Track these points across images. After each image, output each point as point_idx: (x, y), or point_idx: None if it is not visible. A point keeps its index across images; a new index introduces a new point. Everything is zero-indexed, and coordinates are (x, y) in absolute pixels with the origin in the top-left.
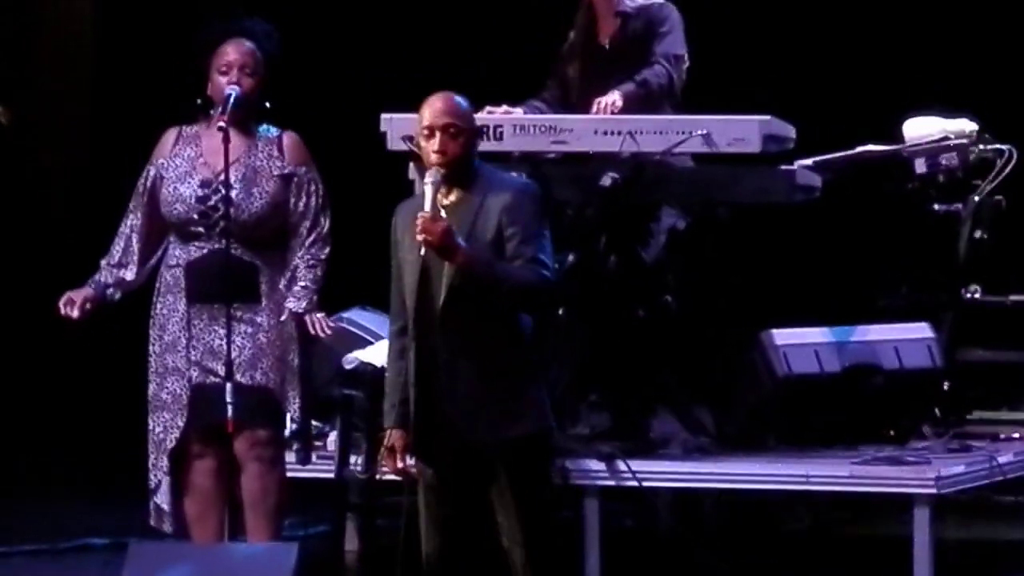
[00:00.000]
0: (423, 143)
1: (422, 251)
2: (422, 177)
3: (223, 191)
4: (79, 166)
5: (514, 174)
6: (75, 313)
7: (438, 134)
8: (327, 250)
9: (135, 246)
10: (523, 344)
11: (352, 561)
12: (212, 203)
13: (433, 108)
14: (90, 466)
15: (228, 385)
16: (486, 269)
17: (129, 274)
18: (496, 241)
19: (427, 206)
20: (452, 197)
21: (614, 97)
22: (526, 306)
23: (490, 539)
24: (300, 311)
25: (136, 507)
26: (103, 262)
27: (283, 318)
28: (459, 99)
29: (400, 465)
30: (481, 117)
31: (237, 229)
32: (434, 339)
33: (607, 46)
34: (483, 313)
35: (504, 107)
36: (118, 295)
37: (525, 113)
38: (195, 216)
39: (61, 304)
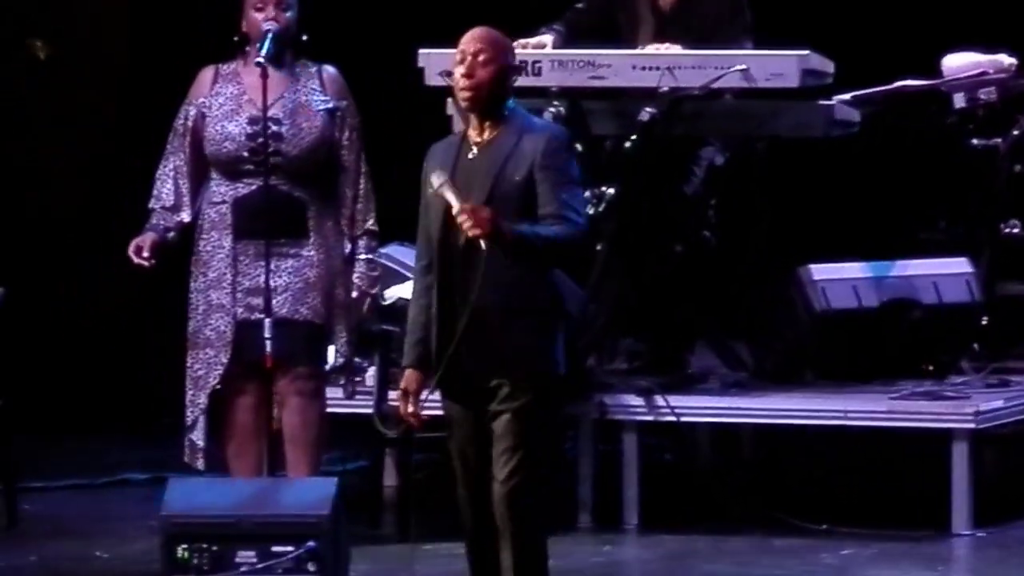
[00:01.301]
0: (455, 72)
1: (483, 244)
2: (459, 112)
3: (272, 127)
4: (115, 104)
5: (547, 119)
6: (148, 262)
7: (468, 59)
8: (373, 194)
9: (184, 187)
10: (545, 285)
11: (390, 496)
12: (262, 140)
13: (467, 35)
14: (129, 401)
15: (267, 320)
16: (527, 239)
17: (185, 215)
18: (526, 182)
19: (454, 201)
20: (485, 135)
21: (676, 50)
22: (562, 260)
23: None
24: (367, 291)
25: (175, 442)
26: (156, 207)
27: (353, 294)
28: (498, 33)
29: (411, 408)
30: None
31: (286, 164)
32: (456, 276)
33: (666, 10)
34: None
35: (537, 38)
36: (178, 238)
37: (554, 41)
38: (245, 153)
39: (131, 254)
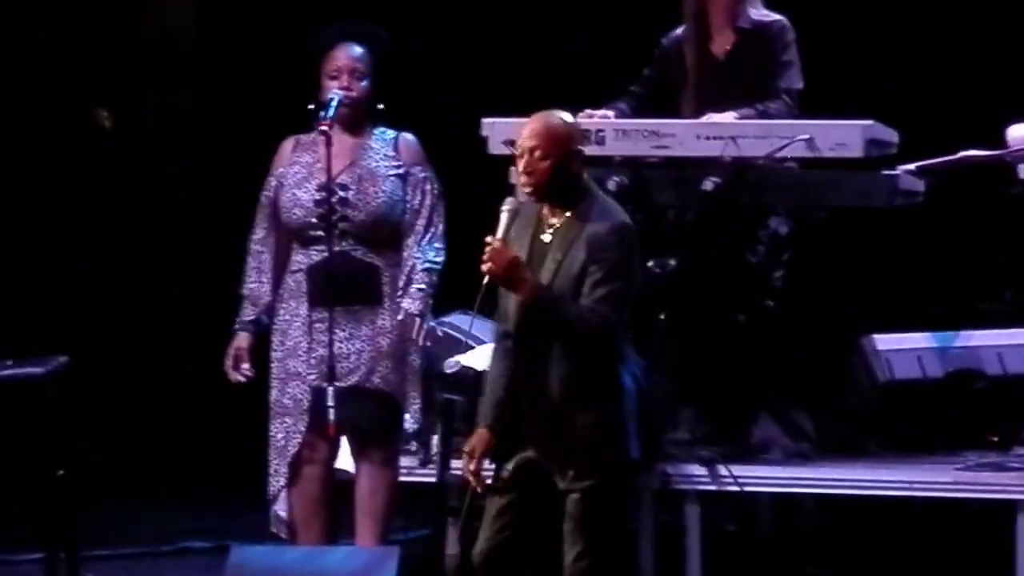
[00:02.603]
0: (518, 166)
1: (485, 280)
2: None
3: (339, 193)
4: (181, 172)
5: (610, 187)
6: (246, 375)
7: (526, 155)
8: (442, 252)
9: (268, 260)
10: (614, 362)
11: (452, 565)
12: (329, 206)
13: (526, 128)
14: (192, 469)
15: (329, 389)
16: (550, 305)
17: (269, 294)
18: (581, 274)
19: (500, 232)
20: (556, 220)
21: (731, 118)
22: (583, 345)
23: (541, 550)
24: (416, 313)
25: (239, 510)
26: (245, 293)
27: (399, 317)
28: (557, 120)
29: (474, 467)
30: (580, 122)
31: (355, 230)
32: (526, 352)
33: (721, 58)
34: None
35: (603, 111)
36: (268, 320)
37: (614, 115)
38: (313, 220)
39: (229, 371)
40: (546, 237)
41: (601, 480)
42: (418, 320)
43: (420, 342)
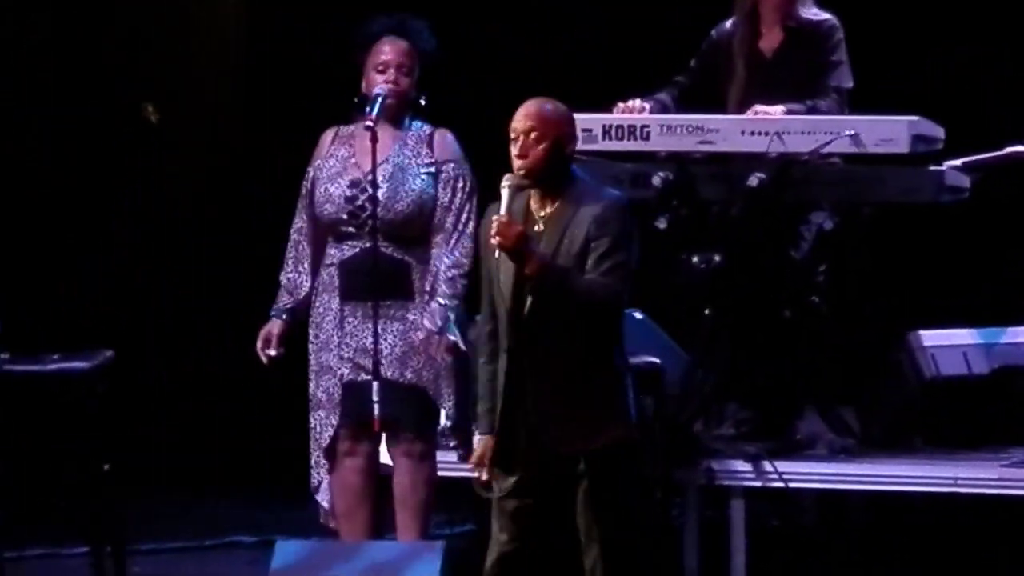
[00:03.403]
0: (511, 150)
1: (496, 254)
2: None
3: (370, 190)
4: (229, 167)
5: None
6: (274, 353)
7: (521, 138)
8: (469, 256)
9: (306, 250)
10: (611, 350)
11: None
12: (360, 202)
13: (519, 111)
14: (238, 463)
15: (375, 383)
16: (558, 279)
17: (306, 284)
18: (583, 252)
19: (503, 209)
20: (548, 208)
21: (779, 111)
22: (593, 317)
23: (557, 548)
24: (435, 329)
25: (284, 505)
26: (282, 282)
27: (420, 334)
28: (550, 104)
29: (487, 477)
30: (625, 118)
31: (385, 227)
32: (522, 346)
33: (769, 56)
34: (569, 320)
35: (638, 102)
36: (303, 310)
37: (651, 107)
38: (344, 216)
39: (260, 350)
40: (539, 227)
41: (611, 455)
42: (436, 337)
43: (439, 359)
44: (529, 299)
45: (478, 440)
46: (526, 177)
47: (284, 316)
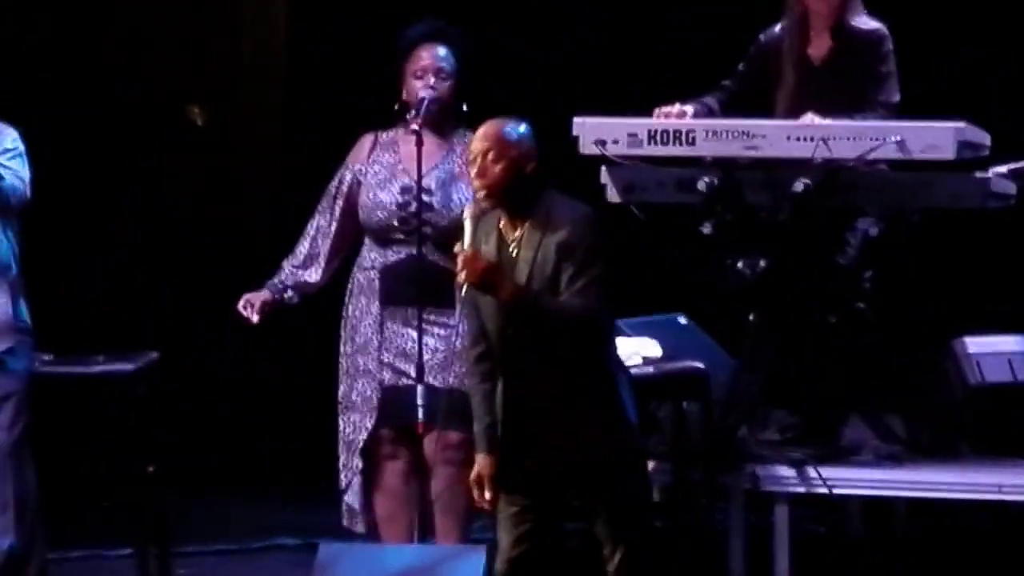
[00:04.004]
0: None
1: (463, 290)
2: (614, 181)
3: (423, 197)
4: (274, 168)
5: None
6: (254, 317)
7: (478, 159)
8: None
9: (321, 247)
10: (602, 360)
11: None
12: (412, 209)
13: (477, 133)
14: (283, 465)
15: (419, 387)
16: (532, 303)
17: (313, 275)
18: (556, 273)
19: (466, 242)
20: (519, 231)
21: (829, 122)
22: (570, 336)
23: (564, 555)
24: None
25: (327, 507)
26: (286, 263)
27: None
28: (511, 125)
29: (489, 496)
30: (671, 123)
31: (436, 234)
32: (517, 362)
33: (818, 63)
34: (552, 337)
35: (677, 106)
36: (297, 299)
37: (695, 110)
38: (395, 223)
39: (240, 307)
40: (512, 250)
41: (616, 475)
42: None
43: None
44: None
45: (478, 459)
46: (487, 198)
47: (278, 294)
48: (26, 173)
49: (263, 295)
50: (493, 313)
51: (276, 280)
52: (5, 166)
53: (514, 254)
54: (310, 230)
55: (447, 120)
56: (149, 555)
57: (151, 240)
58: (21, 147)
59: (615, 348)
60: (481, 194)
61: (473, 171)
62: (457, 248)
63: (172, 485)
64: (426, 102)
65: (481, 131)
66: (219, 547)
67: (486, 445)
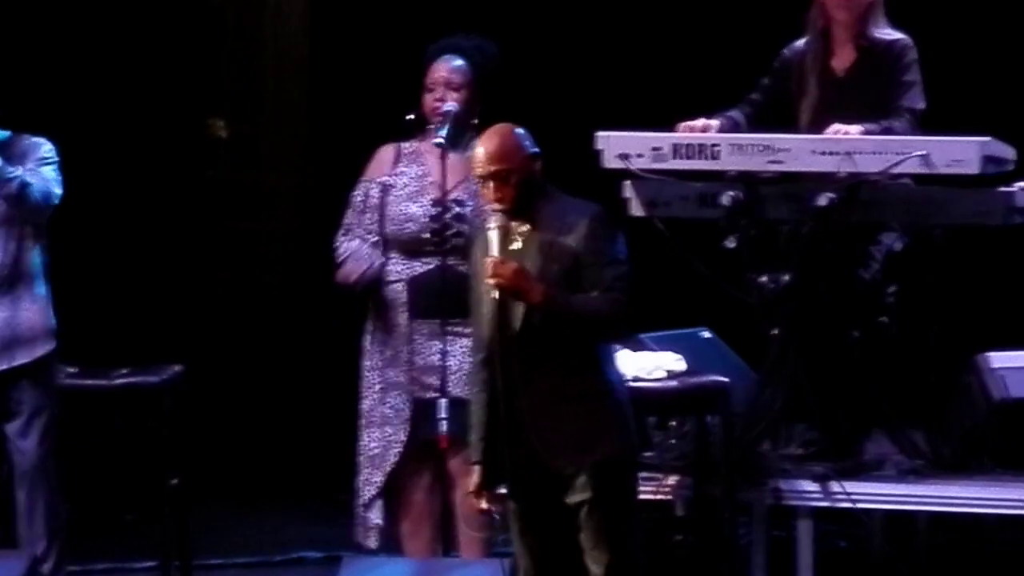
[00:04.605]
0: (484, 192)
1: (495, 294)
2: (637, 195)
3: (455, 209)
4: (297, 182)
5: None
6: (358, 286)
7: (492, 181)
8: None
9: (377, 250)
10: (599, 365)
11: None
12: (445, 220)
13: (479, 157)
14: (306, 479)
15: (442, 401)
16: (563, 304)
17: (378, 261)
18: (571, 269)
19: (493, 250)
20: (524, 226)
21: (857, 130)
22: (605, 334)
23: (579, 561)
24: None
25: (350, 521)
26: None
27: None
28: (505, 136)
29: (484, 505)
30: (695, 136)
31: (466, 245)
32: (513, 366)
33: (842, 75)
34: (558, 338)
35: (702, 120)
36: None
37: (720, 124)
38: (427, 235)
39: (355, 272)
40: (516, 245)
41: (603, 484)
42: None
43: None
44: (516, 323)
45: (477, 470)
46: (507, 212)
47: (375, 267)
48: (57, 181)
49: (377, 268)
50: (491, 313)
51: (367, 251)
52: (35, 172)
53: (519, 248)
54: (346, 244)
55: (464, 132)
56: (172, 568)
57: (175, 253)
58: (56, 157)
59: (612, 356)
60: (502, 212)
61: (488, 190)
62: (486, 257)
63: (195, 498)
64: (451, 115)
65: (484, 154)
66: (241, 560)
67: (480, 455)
